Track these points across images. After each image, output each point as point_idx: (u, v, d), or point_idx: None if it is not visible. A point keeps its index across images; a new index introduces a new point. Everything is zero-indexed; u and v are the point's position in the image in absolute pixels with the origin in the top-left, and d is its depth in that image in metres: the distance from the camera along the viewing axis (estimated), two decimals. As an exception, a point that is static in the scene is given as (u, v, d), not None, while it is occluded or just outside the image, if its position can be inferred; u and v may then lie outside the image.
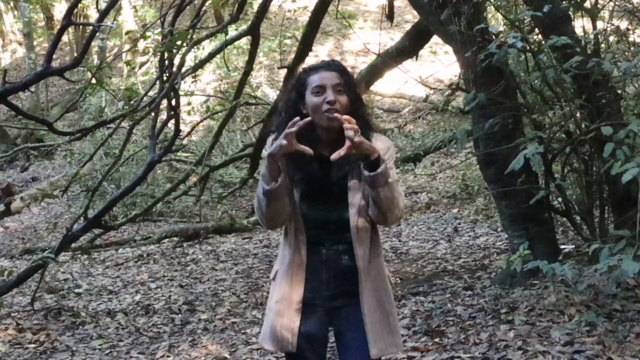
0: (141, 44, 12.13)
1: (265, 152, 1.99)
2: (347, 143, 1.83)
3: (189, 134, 8.52)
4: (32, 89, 10.67)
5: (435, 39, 6.62)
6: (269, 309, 2.12)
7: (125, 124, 6.92)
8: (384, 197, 1.92)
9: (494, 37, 3.94)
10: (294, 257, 2.04)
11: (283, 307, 2.05)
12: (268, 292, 2.22)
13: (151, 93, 6.17)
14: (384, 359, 2.08)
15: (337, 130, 1.92)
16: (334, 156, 1.85)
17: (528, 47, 3.87)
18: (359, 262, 2.02)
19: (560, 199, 4.54)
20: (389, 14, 7.64)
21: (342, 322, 2.08)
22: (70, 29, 13.58)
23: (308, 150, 1.87)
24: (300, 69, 2.12)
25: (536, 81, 4.16)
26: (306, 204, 2.01)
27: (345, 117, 1.86)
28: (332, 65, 2.03)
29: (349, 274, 2.03)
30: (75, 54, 7.98)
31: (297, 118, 1.86)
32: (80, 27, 15.14)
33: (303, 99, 2.01)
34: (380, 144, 2.00)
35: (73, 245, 5.95)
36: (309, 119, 1.88)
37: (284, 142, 1.84)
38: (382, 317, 2.04)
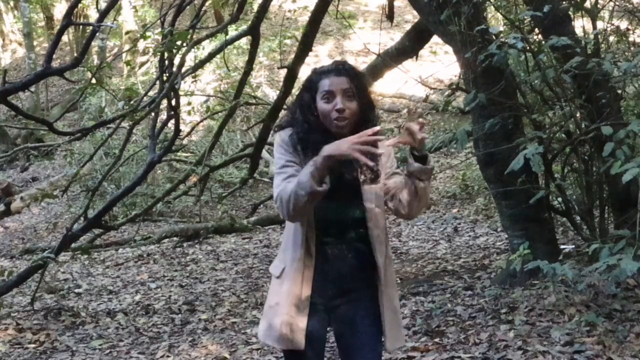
0: (141, 44, 12.16)
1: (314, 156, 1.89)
2: (404, 138, 1.90)
3: (189, 134, 8.52)
4: (32, 89, 10.66)
5: (435, 39, 6.61)
6: (275, 305, 2.05)
7: (125, 124, 6.92)
8: (425, 190, 2.01)
9: (494, 37, 3.94)
10: (304, 254, 2.01)
11: (291, 305, 2.01)
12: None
13: (151, 93, 6.17)
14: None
15: (348, 135, 1.93)
16: (391, 142, 1.92)
17: (528, 47, 3.87)
18: (378, 258, 2.04)
19: (560, 199, 4.54)
20: (389, 14, 7.63)
21: (342, 325, 2.08)
22: (70, 29, 13.62)
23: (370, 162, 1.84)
24: (311, 70, 2.09)
25: (536, 81, 4.16)
26: (319, 203, 1.95)
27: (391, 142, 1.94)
28: (343, 70, 2.00)
29: (353, 272, 2.04)
30: (75, 54, 7.97)
31: (377, 129, 1.81)
32: (80, 27, 15.14)
33: (314, 101, 2.00)
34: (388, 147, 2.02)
35: (73, 245, 5.95)
36: (377, 129, 1.82)
37: (357, 155, 1.77)
38: (394, 312, 2.13)
